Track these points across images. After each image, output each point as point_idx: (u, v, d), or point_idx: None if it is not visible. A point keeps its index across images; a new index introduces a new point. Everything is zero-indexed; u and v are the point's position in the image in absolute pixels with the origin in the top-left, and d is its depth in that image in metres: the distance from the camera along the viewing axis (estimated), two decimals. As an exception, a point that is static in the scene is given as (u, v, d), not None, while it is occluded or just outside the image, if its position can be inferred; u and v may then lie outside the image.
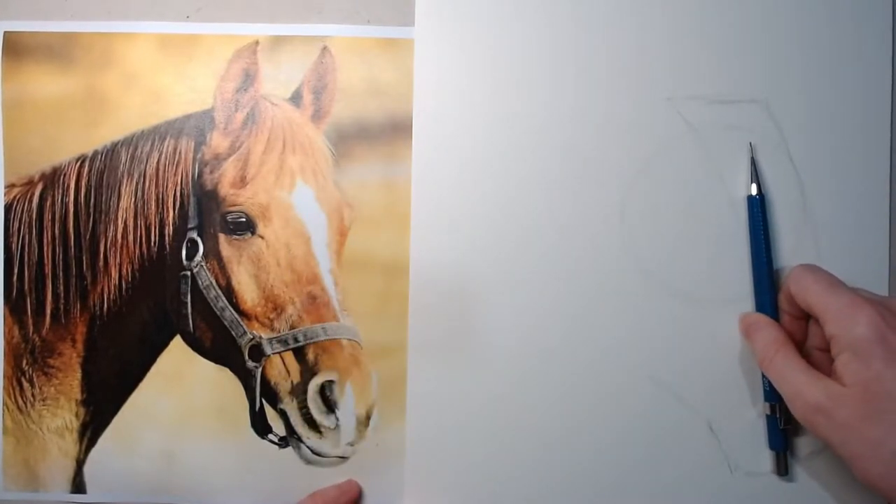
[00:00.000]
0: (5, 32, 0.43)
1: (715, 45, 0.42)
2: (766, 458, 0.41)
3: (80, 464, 0.43)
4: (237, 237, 0.42)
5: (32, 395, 0.43)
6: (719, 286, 0.42)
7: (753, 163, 0.41)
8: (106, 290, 0.42)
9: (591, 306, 0.42)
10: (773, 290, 0.41)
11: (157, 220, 0.42)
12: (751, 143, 0.42)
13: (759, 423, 0.42)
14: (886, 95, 0.42)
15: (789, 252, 0.42)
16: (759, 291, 0.41)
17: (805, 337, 0.40)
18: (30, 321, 0.43)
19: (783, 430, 0.40)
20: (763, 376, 0.40)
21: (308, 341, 0.42)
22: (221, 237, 0.42)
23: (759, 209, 0.41)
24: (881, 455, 0.34)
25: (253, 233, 0.42)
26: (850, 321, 0.35)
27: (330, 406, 0.42)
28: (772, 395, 0.40)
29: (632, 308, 0.42)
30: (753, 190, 0.41)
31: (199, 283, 0.42)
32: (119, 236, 0.42)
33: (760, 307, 0.41)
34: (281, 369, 0.42)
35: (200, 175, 0.42)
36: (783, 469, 0.41)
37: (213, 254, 0.42)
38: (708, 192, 0.42)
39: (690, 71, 0.42)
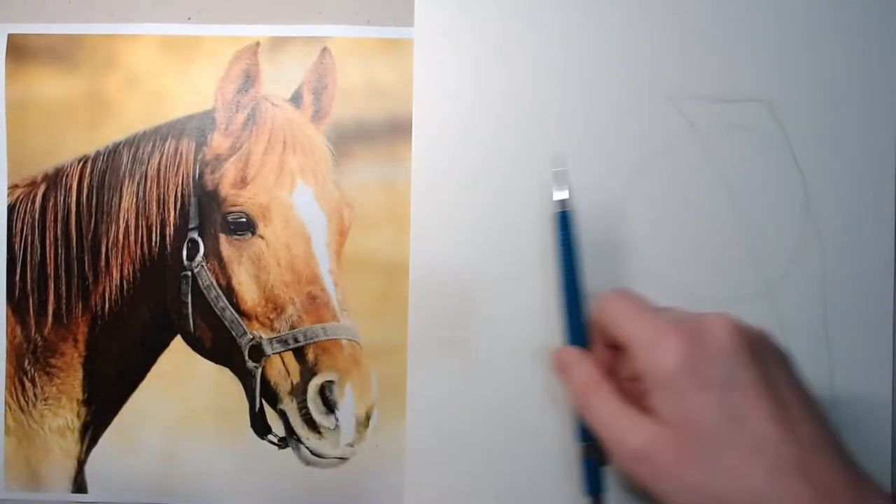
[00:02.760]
0: (9, 35, 0.43)
1: (717, 44, 0.42)
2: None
3: (81, 463, 0.43)
4: (238, 237, 0.42)
5: (34, 394, 0.43)
6: (720, 286, 0.41)
7: (560, 172, 0.38)
8: (107, 290, 0.43)
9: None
10: (585, 318, 0.38)
11: (158, 221, 0.42)
12: (559, 156, 0.39)
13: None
14: (891, 94, 0.42)
15: (793, 253, 0.41)
16: (568, 320, 0.38)
17: (618, 368, 0.36)
18: (32, 321, 0.43)
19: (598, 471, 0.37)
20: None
21: (308, 341, 0.42)
22: (222, 237, 0.42)
23: (565, 225, 0.38)
24: (704, 501, 0.30)
25: (253, 233, 0.42)
26: (655, 353, 0.32)
27: (330, 406, 0.42)
28: (586, 435, 0.36)
29: (633, 308, 0.41)
30: (559, 204, 0.37)
31: (200, 283, 0.42)
32: (120, 236, 0.42)
33: (571, 338, 0.38)
34: (281, 369, 0.42)
35: (201, 175, 0.42)
36: None
37: (214, 254, 0.42)
38: (709, 192, 0.41)
39: (692, 70, 0.42)
